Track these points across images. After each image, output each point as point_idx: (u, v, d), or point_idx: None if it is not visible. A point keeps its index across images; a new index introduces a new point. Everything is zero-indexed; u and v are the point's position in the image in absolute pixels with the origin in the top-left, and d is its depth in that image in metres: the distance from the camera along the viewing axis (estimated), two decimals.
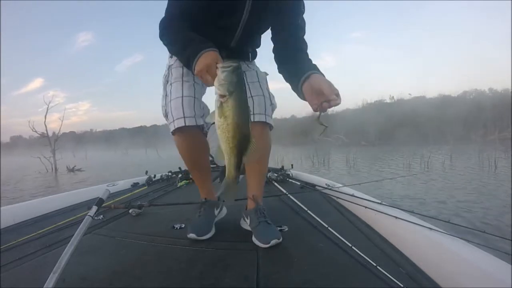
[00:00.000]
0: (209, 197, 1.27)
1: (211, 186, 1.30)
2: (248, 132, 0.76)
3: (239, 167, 0.79)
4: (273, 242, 1.02)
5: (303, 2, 1.08)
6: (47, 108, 13.78)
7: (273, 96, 1.25)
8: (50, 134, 14.16)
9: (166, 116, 1.14)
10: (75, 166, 12.28)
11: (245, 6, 1.02)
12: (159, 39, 1.02)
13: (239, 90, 0.75)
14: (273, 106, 1.21)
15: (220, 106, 0.74)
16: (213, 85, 0.78)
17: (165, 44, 1.02)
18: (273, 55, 1.11)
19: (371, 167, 8.51)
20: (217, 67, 0.79)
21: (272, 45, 1.12)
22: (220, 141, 0.77)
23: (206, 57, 0.85)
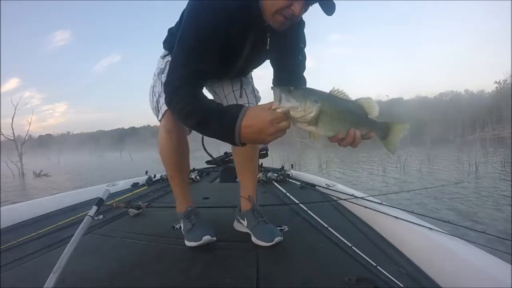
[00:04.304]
0: (190, 206, 1.13)
1: (190, 193, 1.18)
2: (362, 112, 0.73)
3: None
4: (277, 239, 1.02)
5: (304, 37, 1.03)
6: (15, 110, 14.27)
7: (257, 90, 1.28)
8: (24, 136, 14.39)
9: (157, 103, 1.02)
10: (41, 171, 12.29)
11: (243, 54, 0.98)
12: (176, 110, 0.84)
13: (325, 100, 0.66)
14: (257, 99, 1.25)
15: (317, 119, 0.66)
16: (295, 124, 0.68)
17: (191, 125, 0.83)
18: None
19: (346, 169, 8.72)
20: (273, 109, 0.67)
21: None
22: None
23: (255, 118, 0.70)
